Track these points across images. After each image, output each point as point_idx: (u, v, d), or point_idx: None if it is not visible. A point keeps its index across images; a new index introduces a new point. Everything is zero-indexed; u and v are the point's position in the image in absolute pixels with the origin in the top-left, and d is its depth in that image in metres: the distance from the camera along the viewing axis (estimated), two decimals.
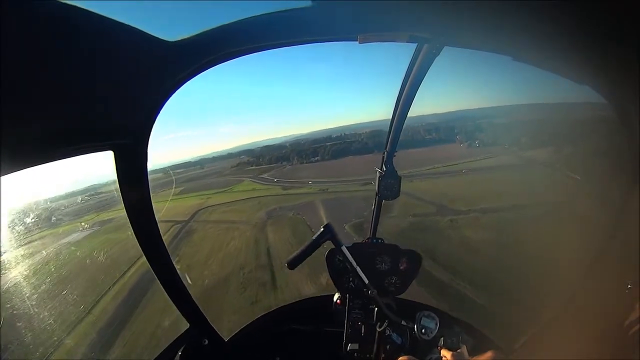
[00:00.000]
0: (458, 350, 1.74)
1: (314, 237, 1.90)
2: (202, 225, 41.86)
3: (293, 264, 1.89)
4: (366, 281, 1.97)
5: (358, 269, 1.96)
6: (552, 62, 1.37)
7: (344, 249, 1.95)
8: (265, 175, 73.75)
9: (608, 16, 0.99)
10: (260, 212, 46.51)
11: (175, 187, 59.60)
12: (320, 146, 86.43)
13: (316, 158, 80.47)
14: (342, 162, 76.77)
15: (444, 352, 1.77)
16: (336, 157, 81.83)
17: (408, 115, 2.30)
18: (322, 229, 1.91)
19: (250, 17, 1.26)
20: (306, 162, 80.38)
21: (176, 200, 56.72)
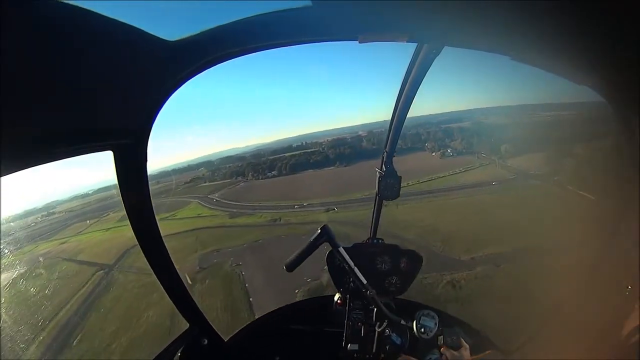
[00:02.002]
0: (460, 349, 1.74)
1: (311, 239, 1.90)
2: (124, 274, 33.99)
3: (291, 267, 1.89)
4: (364, 281, 1.97)
5: (356, 269, 1.96)
6: (552, 63, 1.37)
7: (341, 250, 1.95)
8: (215, 196, 63.43)
9: (608, 16, 0.99)
10: (194, 256, 37.41)
11: (118, 212, 49.58)
12: (278, 158, 77.66)
13: (273, 173, 71.22)
14: (301, 177, 67.54)
15: (444, 351, 1.76)
16: (295, 171, 71.59)
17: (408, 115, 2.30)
18: (319, 231, 1.91)
19: (250, 17, 1.26)
20: (262, 178, 71.16)
21: (115, 230, 48.57)
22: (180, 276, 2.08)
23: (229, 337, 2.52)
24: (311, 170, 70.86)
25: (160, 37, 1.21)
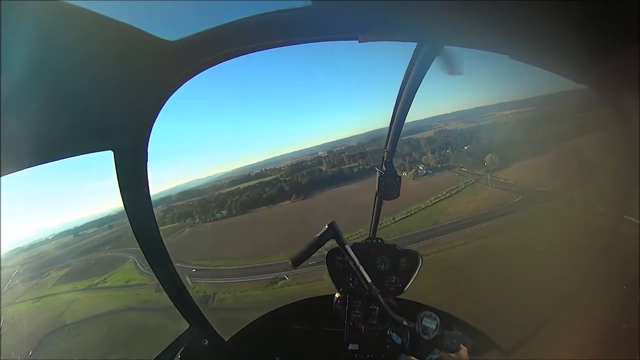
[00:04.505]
0: (458, 352, 1.75)
1: (317, 235, 1.86)
2: None
3: (296, 262, 1.87)
4: (369, 281, 1.96)
5: (361, 268, 1.95)
6: (552, 62, 1.37)
7: (348, 248, 1.93)
8: None
9: (608, 16, 0.99)
10: None
11: (60, 269, 46.70)
12: (230, 192, 64.55)
13: (222, 213, 57.62)
14: (251, 219, 54.85)
15: (444, 354, 1.77)
16: (245, 209, 58.09)
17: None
18: (326, 227, 1.87)
19: (250, 17, 1.26)
20: (210, 220, 57.14)
21: (43, 301, 40.74)
22: (180, 276, 2.08)
23: (229, 337, 2.52)
24: (265, 207, 58.10)
25: (160, 37, 1.21)
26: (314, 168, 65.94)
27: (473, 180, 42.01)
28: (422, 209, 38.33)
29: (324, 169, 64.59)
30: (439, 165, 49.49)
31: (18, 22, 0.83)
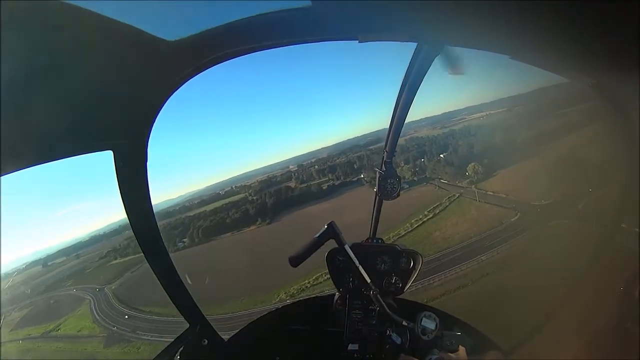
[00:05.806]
0: (457, 352, 1.75)
1: (316, 235, 1.87)
2: None
3: (295, 262, 1.87)
4: (368, 280, 1.97)
5: (361, 268, 1.95)
6: (552, 62, 1.37)
7: (347, 248, 1.94)
8: (113, 287, 41.99)
9: (608, 17, 0.99)
10: None
11: (22, 309, 42.34)
12: (195, 216, 57.42)
13: (184, 242, 50.55)
14: (212, 249, 48.03)
15: (443, 355, 1.78)
16: (208, 237, 51.01)
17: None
18: (325, 227, 1.88)
19: (250, 17, 1.26)
20: (173, 251, 45.74)
21: (6, 346, 35.71)
22: (180, 276, 2.08)
23: (229, 337, 2.52)
24: (229, 234, 51.49)
25: (160, 37, 1.21)
26: (281, 186, 59.23)
27: (457, 195, 36.00)
28: (402, 236, 30.29)
29: (293, 185, 58.60)
30: (415, 178, 43.81)
31: (18, 22, 0.83)
